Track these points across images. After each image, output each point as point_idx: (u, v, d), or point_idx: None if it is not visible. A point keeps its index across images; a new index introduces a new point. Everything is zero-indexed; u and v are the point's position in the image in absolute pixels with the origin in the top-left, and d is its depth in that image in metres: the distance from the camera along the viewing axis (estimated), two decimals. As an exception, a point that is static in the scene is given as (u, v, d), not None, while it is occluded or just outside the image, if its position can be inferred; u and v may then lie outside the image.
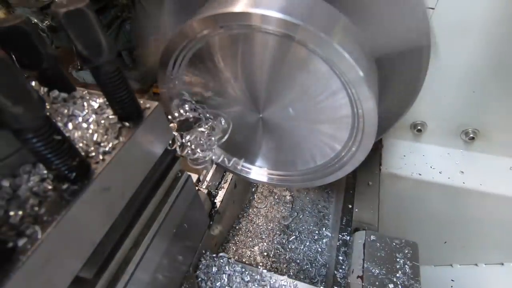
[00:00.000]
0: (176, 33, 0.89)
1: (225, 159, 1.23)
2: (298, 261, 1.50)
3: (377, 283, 0.97)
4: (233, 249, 1.56)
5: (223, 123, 1.06)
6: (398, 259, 1.02)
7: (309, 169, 1.17)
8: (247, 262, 1.51)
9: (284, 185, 1.29)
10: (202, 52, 0.96)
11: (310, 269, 1.46)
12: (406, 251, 1.03)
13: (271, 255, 1.53)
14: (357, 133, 0.95)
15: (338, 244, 1.22)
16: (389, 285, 0.96)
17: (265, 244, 1.58)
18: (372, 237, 1.08)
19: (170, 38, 0.90)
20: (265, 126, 1.09)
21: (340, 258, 1.18)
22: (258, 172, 1.29)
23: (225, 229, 1.58)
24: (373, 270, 0.99)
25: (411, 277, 0.97)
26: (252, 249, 1.56)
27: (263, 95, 1.00)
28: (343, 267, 1.15)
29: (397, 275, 0.98)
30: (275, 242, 1.59)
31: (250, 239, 1.61)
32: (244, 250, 1.56)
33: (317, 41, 0.78)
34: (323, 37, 0.76)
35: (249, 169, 1.30)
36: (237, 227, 1.65)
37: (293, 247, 1.56)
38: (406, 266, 1.00)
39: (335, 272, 1.14)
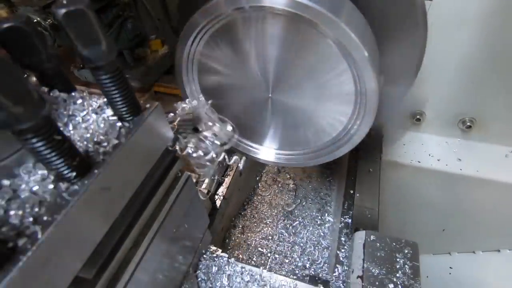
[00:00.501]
0: (200, 11, 0.94)
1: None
2: (301, 244, 1.54)
3: (377, 283, 0.97)
4: (239, 233, 1.60)
5: (229, 129, 1.07)
6: (398, 259, 1.02)
7: (318, 146, 1.21)
8: (252, 245, 1.56)
9: (292, 164, 1.32)
10: (219, 33, 1.01)
11: (313, 251, 1.49)
12: (406, 251, 1.04)
13: (275, 239, 1.58)
14: (360, 108, 1.01)
15: (340, 226, 1.25)
16: (389, 285, 0.96)
17: (269, 228, 1.63)
18: (372, 237, 1.08)
19: (195, 14, 0.96)
20: (274, 105, 1.14)
21: (342, 239, 1.21)
22: (266, 152, 1.33)
23: (232, 215, 1.63)
24: (373, 270, 0.99)
25: (411, 277, 0.97)
26: (258, 233, 1.61)
27: (273, 75, 1.05)
28: (345, 247, 1.18)
29: (397, 275, 0.98)
30: (279, 227, 1.63)
31: (255, 224, 1.65)
32: (249, 234, 1.61)
33: (325, 21, 0.83)
34: (331, 17, 0.81)
35: (257, 149, 1.34)
36: (242, 213, 1.69)
37: (296, 231, 1.60)
38: (406, 266, 1.00)
39: (338, 252, 1.18)
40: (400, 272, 0.99)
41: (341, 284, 1.11)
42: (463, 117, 1.51)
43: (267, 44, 0.98)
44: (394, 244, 1.06)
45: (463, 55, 1.28)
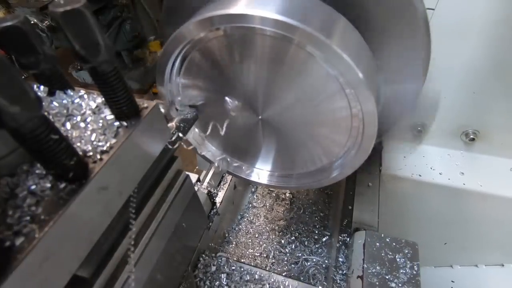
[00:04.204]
0: (174, 35, 0.88)
1: (226, 161, 1.23)
2: (297, 261, 1.50)
3: (377, 283, 0.97)
4: (232, 250, 1.56)
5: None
6: (398, 259, 1.02)
7: (309, 172, 1.17)
8: (246, 263, 1.51)
9: (284, 187, 1.29)
10: (201, 55, 0.96)
11: (310, 269, 1.46)
12: (406, 251, 1.04)
13: (270, 256, 1.53)
14: (357, 135, 0.95)
15: (338, 245, 1.22)
16: (389, 285, 0.96)
17: (264, 245, 1.58)
18: (372, 237, 1.08)
19: (168, 40, 0.91)
20: (265, 128, 1.09)
21: (340, 259, 1.18)
22: (258, 174, 1.29)
23: (225, 230, 1.59)
24: (373, 270, 0.99)
25: (411, 277, 0.97)
26: (252, 250, 1.56)
27: (262, 97, 1.00)
28: (343, 268, 1.15)
29: (397, 275, 0.98)
30: (275, 242, 1.59)
31: (250, 240, 1.61)
32: (244, 251, 1.56)
33: (316, 43, 0.77)
34: (322, 39, 0.75)
35: (249, 170, 1.30)
36: (236, 228, 1.65)
37: (292, 247, 1.56)
38: (406, 266, 1.00)
39: (335, 273, 1.14)
40: (400, 272, 0.99)
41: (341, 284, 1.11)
42: (466, 129, 1.47)
43: (254, 65, 0.92)
44: (394, 244, 1.06)
45: (466, 65, 1.26)
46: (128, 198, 0.60)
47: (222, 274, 1.08)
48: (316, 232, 1.62)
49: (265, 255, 1.54)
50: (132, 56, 1.89)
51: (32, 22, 1.38)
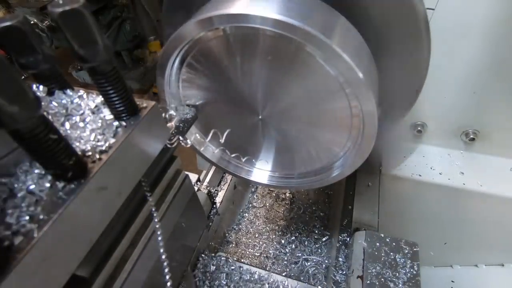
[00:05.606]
0: (174, 35, 0.88)
1: (225, 160, 1.23)
2: (297, 261, 1.50)
3: (377, 283, 0.97)
4: (232, 250, 1.56)
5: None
6: (398, 259, 1.02)
7: (308, 171, 1.17)
8: (246, 262, 1.51)
9: (284, 187, 1.29)
10: (201, 55, 0.96)
11: (310, 269, 1.46)
12: (406, 251, 1.04)
13: (270, 256, 1.53)
14: (357, 135, 0.95)
15: (338, 245, 1.22)
16: (389, 285, 0.96)
17: (264, 244, 1.58)
18: (372, 237, 1.08)
19: (168, 40, 0.91)
20: (265, 128, 1.09)
21: (340, 259, 1.18)
22: (258, 173, 1.29)
23: (225, 230, 1.59)
24: (373, 270, 0.99)
25: (411, 277, 0.97)
26: (252, 250, 1.56)
27: (261, 97, 0.99)
28: (343, 268, 1.15)
29: (397, 275, 0.98)
30: (275, 242, 1.59)
31: (250, 240, 1.61)
32: (244, 251, 1.56)
33: (316, 42, 0.77)
34: (322, 39, 0.75)
35: (249, 170, 1.30)
36: (236, 228, 1.64)
37: (292, 247, 1.56)
38: (406, 266, 1.00)
39: (335, 273, 1.14)
40: (400, 272, 0.99)
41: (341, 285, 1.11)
42: (466, 129, 1.47)
43: (253, 65, 0.92)
44: (394, 244, 1.06)
45: (466, 65, 1.25)
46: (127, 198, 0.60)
47: (222, 274, 1.08)
48: (316, 232, 1.61)
49: (265, 255, 1.54)
50: (132, 56, 1.89)
51: (32, 22, 1.37)
